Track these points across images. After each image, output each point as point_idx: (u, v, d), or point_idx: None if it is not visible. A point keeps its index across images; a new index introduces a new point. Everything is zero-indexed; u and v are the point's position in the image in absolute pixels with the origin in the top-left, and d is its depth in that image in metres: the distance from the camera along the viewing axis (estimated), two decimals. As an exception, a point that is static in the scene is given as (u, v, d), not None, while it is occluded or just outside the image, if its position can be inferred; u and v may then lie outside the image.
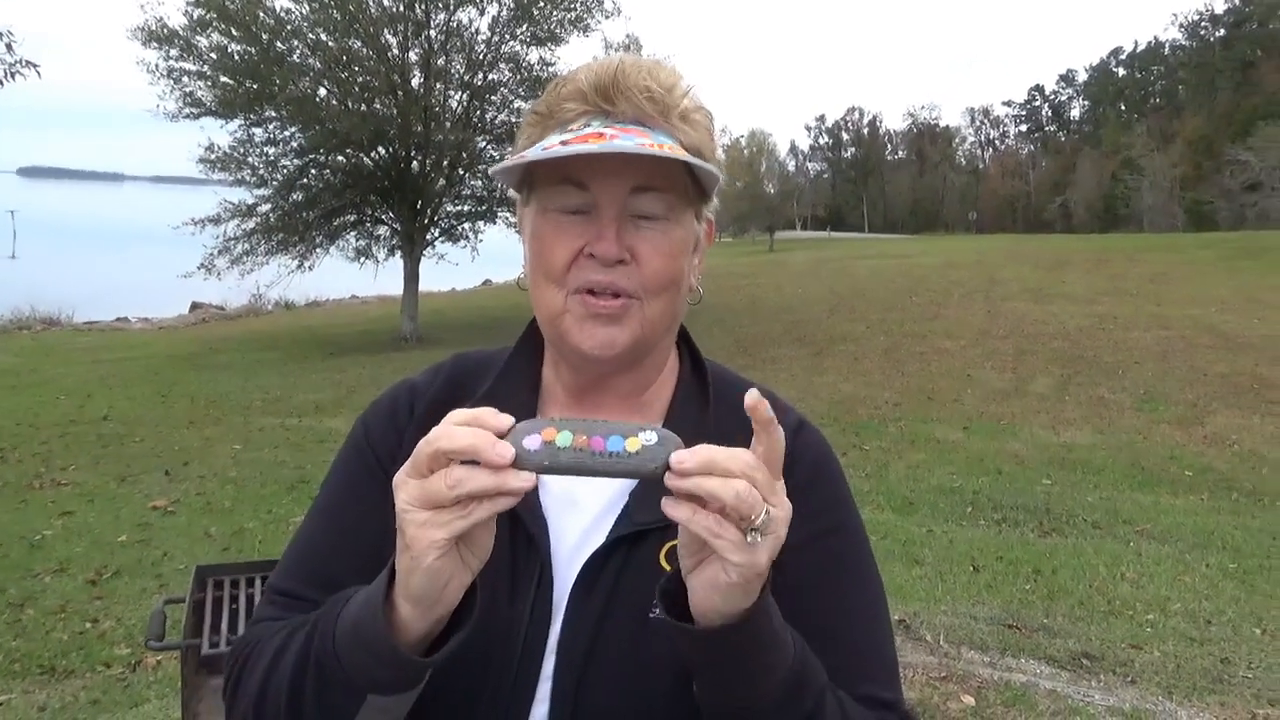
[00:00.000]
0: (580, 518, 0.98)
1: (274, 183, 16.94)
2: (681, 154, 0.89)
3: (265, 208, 17.02)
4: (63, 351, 16.78)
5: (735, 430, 0.81)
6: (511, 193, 1.03)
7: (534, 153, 0.89)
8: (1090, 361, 12.73)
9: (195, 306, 25.26)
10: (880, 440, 8.86)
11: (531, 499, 0.94)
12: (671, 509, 0.73)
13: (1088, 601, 4.76)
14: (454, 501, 0.74)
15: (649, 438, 0.74)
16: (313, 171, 17.31)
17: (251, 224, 16.96)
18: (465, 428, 0.74)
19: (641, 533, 0.94)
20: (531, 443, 0.74)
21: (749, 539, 0.74)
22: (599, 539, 0.95)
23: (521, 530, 0.96)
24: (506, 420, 0.75)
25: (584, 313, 0.95)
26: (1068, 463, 8.10)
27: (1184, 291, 19.10)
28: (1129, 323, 15.33)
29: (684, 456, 0.73)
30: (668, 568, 0.91)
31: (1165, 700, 3.40)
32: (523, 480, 0.73)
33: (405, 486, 0.76)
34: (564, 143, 0.89)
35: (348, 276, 20.32)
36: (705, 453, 0.73)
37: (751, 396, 0.75)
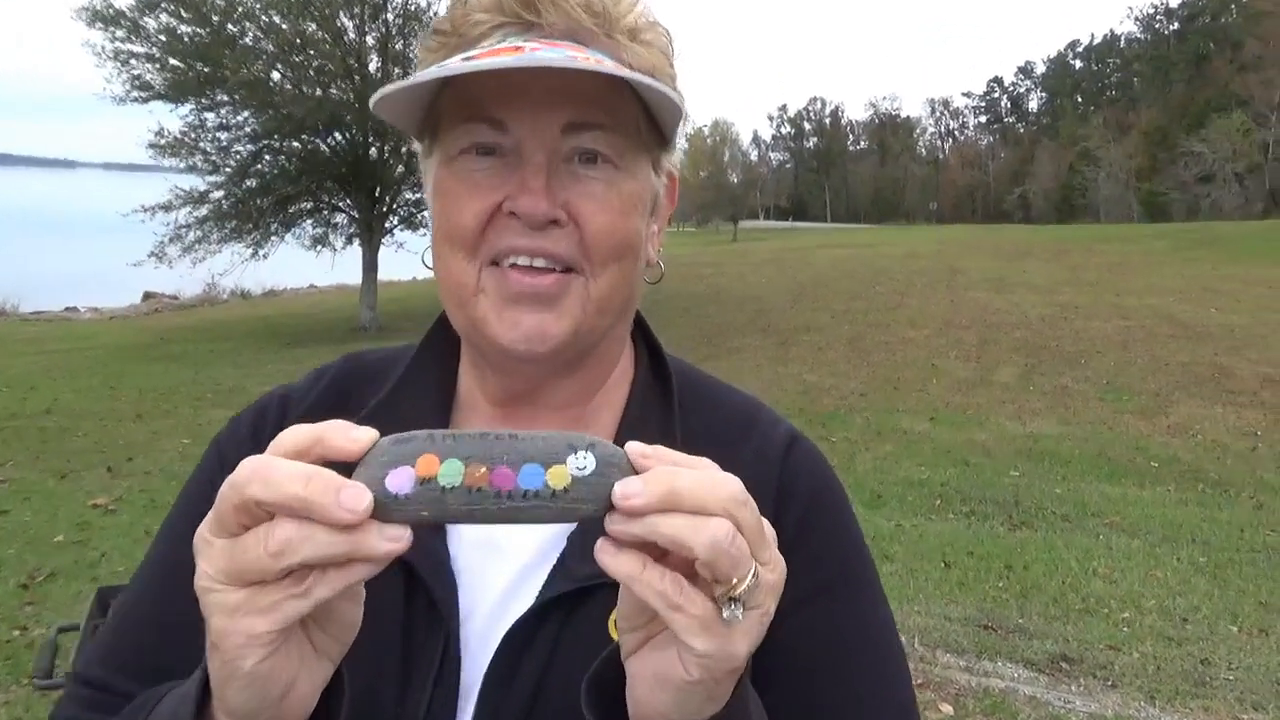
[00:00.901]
0: (503, 568, 0.74)
1: (226, 169, 16.49)
2: (628, 72, 0.66)
3: (218, 194, 16.59)
4: (7, 342, 16.26)
5: (708, 449, 0.59)
6: (416, 146, 0.78)
7: (425, 74, 0.65)
8: (1053, 351, 12.77)
9: (148, 296, 24.65)
10: (847, 431, 8.76)
11: (433, 543, 0.73)
12: (610, 559, 0.51)
13: (1061, 599, 4.67)
14: (281, 575, 0.50)
15: (581, 464, 0.52)
16: (267, 157, 16.88)
17: (204, 211, 16.51)
18: (291, 464, 0.50)
19: (586, 590, 0.71)
20: (399, 482, 0.51)
21: (725, 614, 0.51)
22: (528, 599, 0.71)
23: (419, 591, 0.72)
24: (363, 439, 0.51)
25: (505, 293, 0.71)
26: (1034, 453, 8.05)
27: (1142, 281, 19.29)
28: (1089, 312, 15.43)
29: (633, 486, 0.50)
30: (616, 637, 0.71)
31: (1148, 706, 3.30)
32: (389, 540, 0.49)
33: (207, 551, 0.51)
34: (468, 58, 0.66)
35: (305, 265, 19.91)
36: (667, 478, 0.50)
37: (633, 449, 0.55)
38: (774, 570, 0.54)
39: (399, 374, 0.81)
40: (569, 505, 0.52)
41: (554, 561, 0.73)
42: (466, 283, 0.72)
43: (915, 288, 19.00)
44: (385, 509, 0.50)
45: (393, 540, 0.49)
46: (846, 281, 20.54)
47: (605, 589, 0.69)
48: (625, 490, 0.51)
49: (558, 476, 0.52)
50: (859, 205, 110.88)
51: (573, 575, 0.71)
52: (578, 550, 0.72)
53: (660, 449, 0.54)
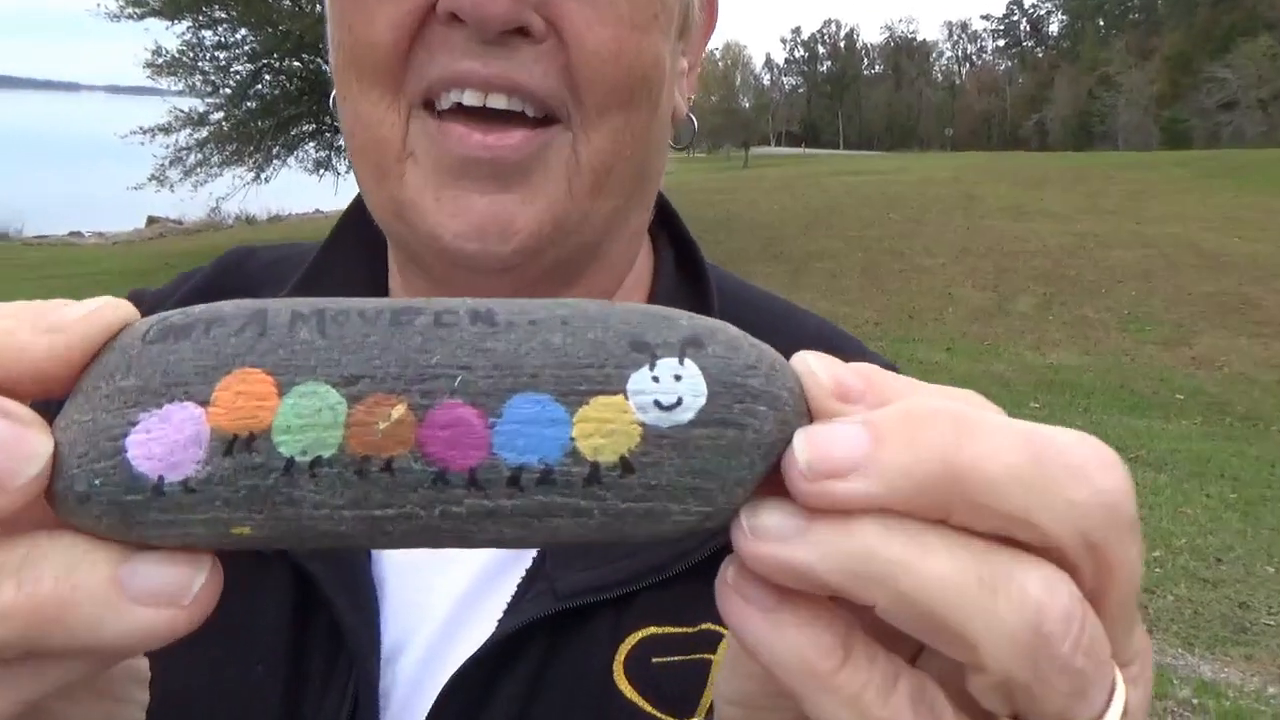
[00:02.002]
0: (450, 577, 0.52)
1: (226, 89, 16.11)
2: None
3: (218, 116, 16.23)
4: (9, 269, 16.11)
5: None
6: None
7: None
8: (1072, 280, 12.49)
9: (152, 221, 24.38)
10: (862, 362, 8.60)
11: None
12: (764, 630, 0.27)
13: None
14: None
15: (669, 392, 0.27)
16: (267, 77, 16.48)
17: (204, 133, 16.17)
18: None
19: (581, 611, 0.49)
20: (165, 446, 0.26)
21: None
22: (486, 626, 0.49)
23: (316, 612, 0.50)
24: (72, 326, 0.27)
25: (444, 158, 0.48)
26: (1055, 385, 7.85)
27: (1163, 209, 18.86)
28: (1110, 241, 15.09)
29: (849, 443, 0.26)
30: (650, 710, 0.46)
31: (1185, 653, 3.14)
32: (131, 600, 0.26)
33: None
34: None
35: (310, 190, 19.55)
36: (933, 429, 0.25)
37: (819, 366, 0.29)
38: (1140, 680, 0.29)
39: (299, 276, 0.58)
40: (633, 505, 0.26)
41: (526, 566, 0.50)
42: (385, 140, 0.49)
43: (930, 215, 18.61)
44: (126, 513, 0.26)
45: (149, 598, 0.26)
46: (860, 208, 20.13)
47: (608, 609, 0.48)
48: (827, 455, 0.25)
49: (603, 432, 0.26)
50: (873, 131, 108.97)
51: (558, 588, 0.48)
52: (563, 550, 0.50)
53: (871, 367, 0.29)
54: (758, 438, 0.27)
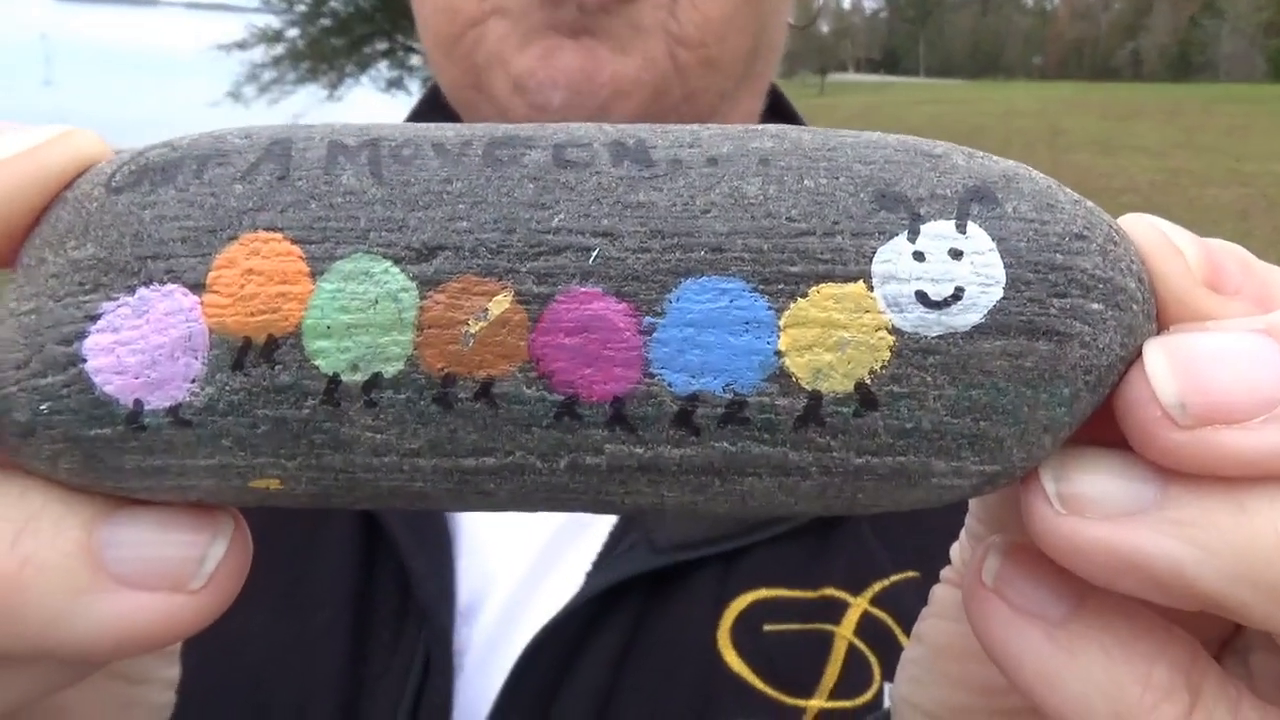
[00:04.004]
0: (531, 528, 0.46)
1: (301, 6, 16.15)
2: None
3: (293, 33, 16.31)
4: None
5: None
6: None
7: None
8: (1164, 219, 12.03)
9: (228, 138, 24.76)
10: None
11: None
12: (1041, 653, 0.18)
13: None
14: None
15: (944, 276, 0.17)
16: (341, -6, 16.51)
17: (280, 50, 16.29)
18: None
19: (681, 568, 0.43)
20: (144, 348, 0.17)
21: None
22: (573, 581, 0.43)
23: (384, 560, 0.44)
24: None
25: (530, 22, 0.42)
26: (1140, 328, 7.61)
27: (1265, 146, 17.90)
28: (1205, 178, 14.42)
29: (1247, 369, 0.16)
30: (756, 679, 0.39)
31: None
32: (106, 587, 0.18)
33: None
34: None
35: (383, 111, 19.57)
36: None
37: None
38: None
39: None
40: (874, 459, 0.18)
41: (614, 520, 0.44)
42: (464, 4, 0.43)
43: (1013, 148, 17.94)
44: (90, 455, 0.18)
45: (140, 577, 0.18)
46: (941, 139, 19.37)
47: (713, 565, 0.42)
48: (1215, 384, 0.17)
49: (829, 343, 0.17)
50: (956, 59, 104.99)
51: (655, 541, 0.42)
52: None
53: (1234, 246, 0.20)
54: (1087, 355, 0.18)
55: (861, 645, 0.42)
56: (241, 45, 15.81)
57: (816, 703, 0.41)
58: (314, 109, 16.87)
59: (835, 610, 0.43)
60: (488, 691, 0.42)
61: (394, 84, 17.39)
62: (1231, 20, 64.65)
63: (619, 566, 0.43)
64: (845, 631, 0.42)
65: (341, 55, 16.17)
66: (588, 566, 0.44)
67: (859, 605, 0.43)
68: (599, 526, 0.45)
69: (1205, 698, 0.17)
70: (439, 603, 0.43)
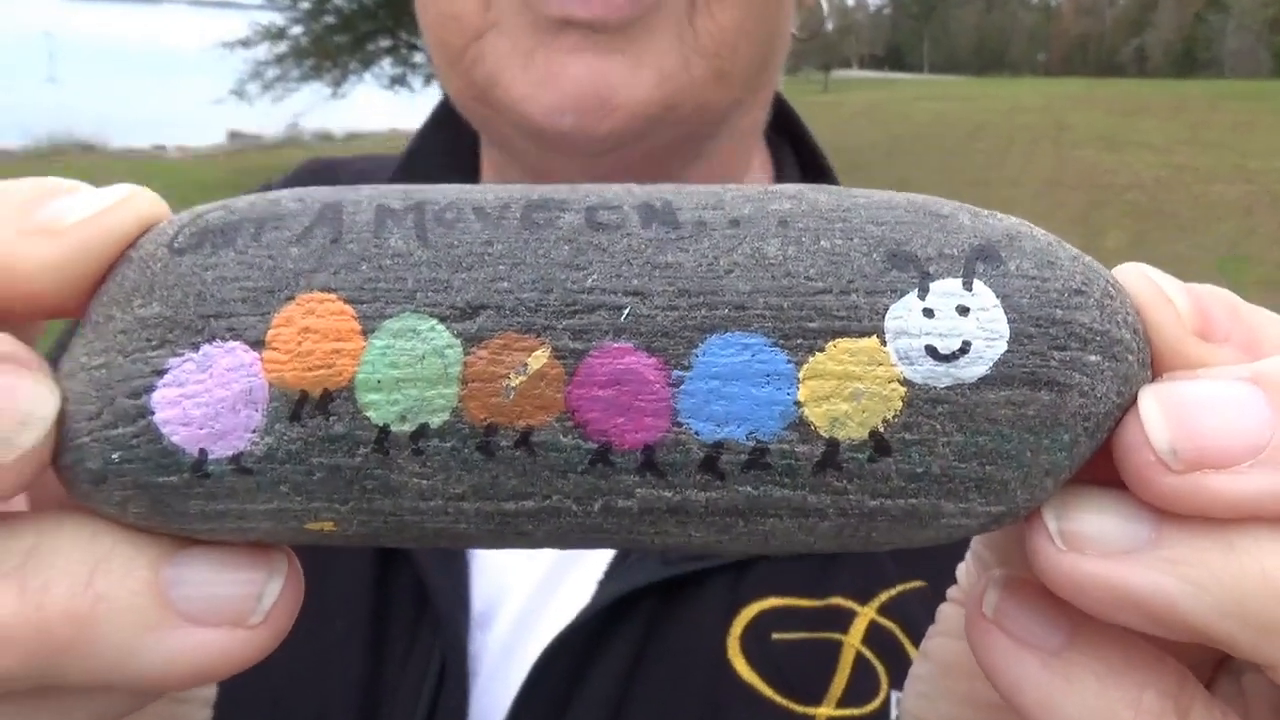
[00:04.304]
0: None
1: (304, 3, 16.21)
2: None
3: (296, 30, 16.37)
4: (100, 180, 16.55)
5: None
6: None
7: None
8: (1168, 216, 11.97)
9: (234, 135, 24.72)
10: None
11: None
12: (1039, 680, 0.20)
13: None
14: None
15: (950, 329, 0.18)
16: (344, -9, 16.56)
17: (283, 47, 16.34)
18: None
19: (691, 578, 0.43)
20: (207, 403, 0.19)
21: None
22: (584, 591, 0.44)
23: (399, 573, 0.44)
24: (68, 231, 0.19)
25: (536, 21, 0.41)
26: (1144, 325, 7.60)
27: (1271, 142, 17.86)
28: (1209, 175, 14.41)
29: (1240, 418, 0.18)
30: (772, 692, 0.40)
31: None
32: (174, 626, 0.19)
33: None
34: None
35: (387, 108, 19.58)
36: None
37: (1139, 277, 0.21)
38: None
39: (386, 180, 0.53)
40: (888, 501, 0.19)
41: None
42: (462, 12, 0.42)
43: (1018, 144, 17.92)
44: (158, 501, 0.19)
45: (204, 614, 0.19)
46: (945, 136, 19.46)
47: (723, 575, 0.42)
48: (1204, 430, 0.18)
49: (845, 394, 0.19)
50: (960, 56, 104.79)
51: (666, 553, 0.42)
52: None
53: (1223, 291, 0.21)
54: (1085, 404, 0.19)
55: (869, 654, 0.43)
56: (245, 43, 15.85)
57: (825, 710, 0.41)
58: (317, 106, 16.91)
59: (843, 619, 0.43)
60: (503, 698, 0.43)
61: (397, 81, 17.36)
62: (1237, 16, 64.47)
63: (630, 576, 0.43)
64: (853, 640, 0.43)
65: (345, 52, 16.21)
66: (599, 576, 0.45)
67: (866, 614, 0.43)
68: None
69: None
70: (454, 611, 0.44)
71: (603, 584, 0.44)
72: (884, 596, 0.44)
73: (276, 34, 15.98)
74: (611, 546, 0.20)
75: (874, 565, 0.45)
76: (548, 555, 0.46)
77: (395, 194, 0.20)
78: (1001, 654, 0.20)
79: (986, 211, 0.21)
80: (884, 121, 23.58)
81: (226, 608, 0.19)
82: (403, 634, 0.44)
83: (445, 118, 0.54)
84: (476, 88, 0.45)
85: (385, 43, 17.14)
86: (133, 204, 0.20)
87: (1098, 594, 0.18)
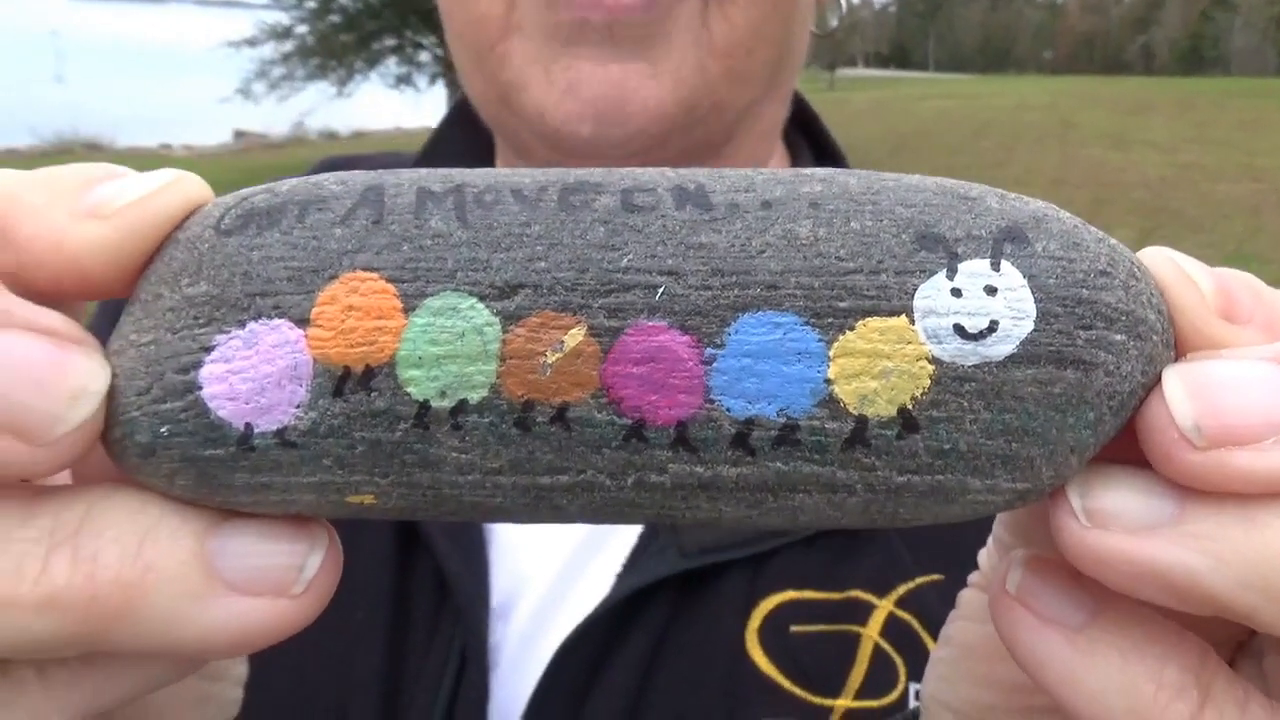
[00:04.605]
0: (563, 531, 0.47)
1: (310, 2, 16.25)
2: None
3: (302, 29, 16.41)
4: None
5: None
6: None
7: None
8: (1174, 214, 11.93)
9: (240, 134, 24.76)
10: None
11: None
12: (1083, 660, 0.20)
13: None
14: None
15: (978, 310, 0.19)
16: (350, -10, 16.59)
17: (289, 47, 16.38)
18: None
19: (710, 570, 0.44)
20: (253, 381, 0.19)
21: None
22: (603, 583, 0.44)
23: (419, 562, 0.45)
24: (112, 206, 0.20)
25: (557, 27, 0.42)
26: (1151, 324, 7.58)
27: (1278, 140, 17.79)
28: (1216, 173, 14.35)
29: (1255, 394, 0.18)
30: (783, 678, 0.40)
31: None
32: (224, 588, 0.19)
33: None
34: None
35: (392, 108, 19.62)
36: None
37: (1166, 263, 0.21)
38: None
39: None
40: (915, 478, 0.19)
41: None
42: (486, 15, 0.42)
43: (1024, 142, 17.87)
44: (205, 473, 0.20)
45: (249, 583, 0.20)
46: (950, 134, 19.42)
47: (741, 568, 0.42)
48: (1227, 408, 0.18)
49: (875, 372, 0.19)
50: (965, 54, 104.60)
51: (684, 544, 0.43)
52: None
53: (1246, 275, 0.22)
54: (1110, 382, 0.19)
55: (887, 646, 0.43)
56: (251, 42, 15.89)
57: (843, 702, 0.42)
58: (323, 105, 16.95)
59: (861, 612, 0.44)
60: (523, 688, 0.43)
61: (402, 80, 17.38)
62: (1243, 14, 64.28)
63: (648, 569, 0.44)
64: (871, 632, 0.43)
65: (350, 52, 16.20)
66: (618, 568, 0.45)
67: (884, 607, 0.43)
68: (629, 529, 0.46)
69: (1215, 695, 0.19)
70: (475, 601, 0.44)
71: (621, 576, 0.44)
72: (902, 589, 0.44)
73: (282, 33, 16.03)
74: (643, 521, 0.21)
75: (891, 558, 0.45)
76: (566, 546, 0.47)
77: (435, 177, 0.20)
78: (1025, 631, 0.20)
79: (1014, 195, 0.21)
80: (889, 120, 23.53)
81: (270, 578, 0.20)
82: (423, 624, 0.45)
83: (461, 116, 0.55)
84: (499, 91, 0.45)
85: (390, 42, 17.17)
86: (179, 187, 0.21)
87: (1122, 569, 0.18)
